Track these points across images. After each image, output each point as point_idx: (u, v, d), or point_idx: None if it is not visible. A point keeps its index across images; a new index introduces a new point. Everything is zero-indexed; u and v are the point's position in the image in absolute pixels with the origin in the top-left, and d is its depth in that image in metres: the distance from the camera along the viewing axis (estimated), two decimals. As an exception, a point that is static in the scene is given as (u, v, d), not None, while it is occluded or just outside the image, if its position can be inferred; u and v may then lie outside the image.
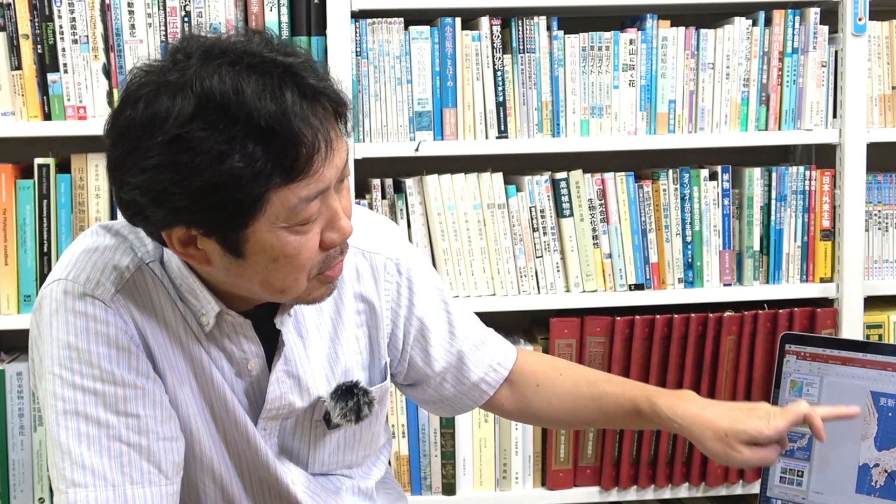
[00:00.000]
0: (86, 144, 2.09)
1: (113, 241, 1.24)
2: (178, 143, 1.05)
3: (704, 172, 2.21)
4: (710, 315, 2.19)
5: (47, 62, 2.04)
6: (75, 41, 2.04)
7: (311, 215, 1.12)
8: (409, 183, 2.14)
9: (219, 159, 1.05)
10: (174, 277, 1.22)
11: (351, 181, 1.84)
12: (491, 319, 2.29)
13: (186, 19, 2.05)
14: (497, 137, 2.15)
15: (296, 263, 1.14)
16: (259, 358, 1.27)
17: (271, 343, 1.28)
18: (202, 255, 1.15)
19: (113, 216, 2.07)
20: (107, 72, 2.05)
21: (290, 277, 1.16)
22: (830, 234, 2.24)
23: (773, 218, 2.23)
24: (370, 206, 2.13)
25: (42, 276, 2.06)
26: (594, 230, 2.18)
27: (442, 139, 2.14)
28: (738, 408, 1.34)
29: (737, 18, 2.19)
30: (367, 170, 2.14)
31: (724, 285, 2.23)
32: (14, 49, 2.03)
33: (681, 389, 1.43)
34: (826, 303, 2.25)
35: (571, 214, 2.17)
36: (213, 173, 1.06)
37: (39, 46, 2.03)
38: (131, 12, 2.04)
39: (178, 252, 1.16)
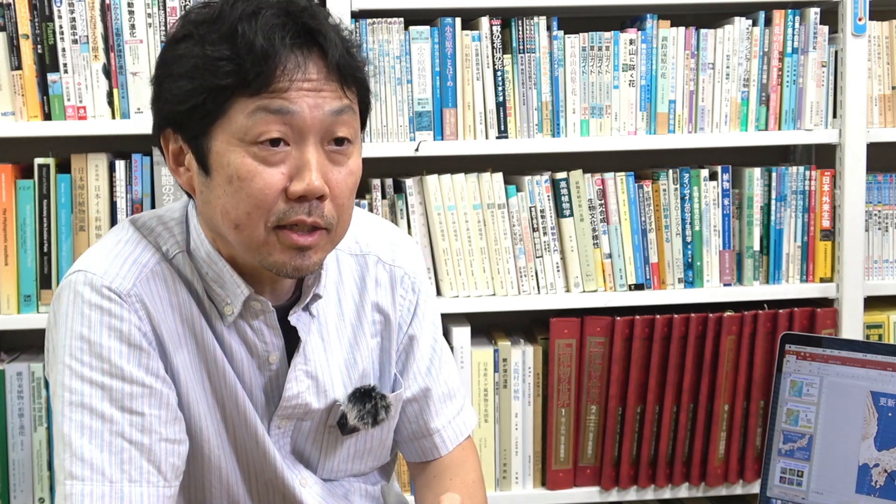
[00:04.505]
0: (86, 144, 2.09)
1: (137, 236, 1.26)
2: (180, 39, 1.19)
3: (704, 172, 2.21)
4: (710, 315, 2.19)
5: (47, 62, 2.04)
6: (75, 41, 2.04)
7: (266, 132, 1.14)
8: (409, 183, 2.14)
9: (196, 45, 1.16)
10: (201, 265, 1.24)
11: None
12: (491, 319, 2.32)
13: (186, 19, 2.05)
14: (497, 137, 2.15)
15: (249, 191, 1.15)
16: (280, 351, 1.28)
17: (292, 344, 1.29)
18: (189, 176, 1.21)
19: (113, 216, 2.07)
20: (107, 72, 2.05)
21: (242, 208, 1.16)
22: (830, 234, 2.24)
23: (773, 218, 2.23)
24: (370, 206, 2.12)
25: (42, 276, 2.06)
26: (594, 230, 2.18)
27: (442, 139, 2.14)
28: None
29: (737, 18, 2.19)
30: (367, 170, 2.12)
31: (724, 285, 2.23)
32: (14, 49, 2.03)
33: None
34: (826, 303, 2.25)
35: (571, 214, 2.17)
36: (187, 61, 1.16)
37: (39, 46, 2.03)
38: (131, 12, 2.04)
39: (172, 170, 1.23)
